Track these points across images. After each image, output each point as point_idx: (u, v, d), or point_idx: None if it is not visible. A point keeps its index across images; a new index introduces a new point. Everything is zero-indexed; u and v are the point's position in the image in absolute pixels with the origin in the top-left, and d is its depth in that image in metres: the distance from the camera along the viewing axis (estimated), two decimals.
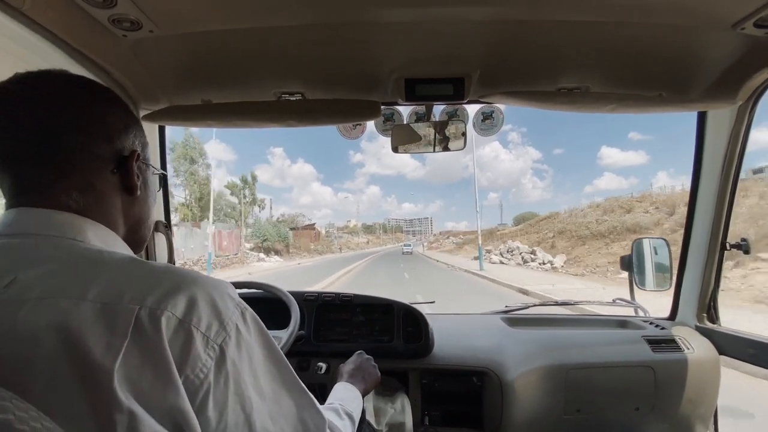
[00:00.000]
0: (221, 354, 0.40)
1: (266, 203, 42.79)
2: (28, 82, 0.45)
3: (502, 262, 22.13)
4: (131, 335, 0.35)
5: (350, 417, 0.68)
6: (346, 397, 0.78)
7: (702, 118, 1.22)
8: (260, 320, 0.46)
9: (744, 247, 1.18)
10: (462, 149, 1.29)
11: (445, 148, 1.28)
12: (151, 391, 0.35)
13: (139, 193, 0.52)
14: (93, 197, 0.46)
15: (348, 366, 0.94)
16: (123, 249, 0.49)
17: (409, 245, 55.61)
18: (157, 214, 1.32)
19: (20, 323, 0.35)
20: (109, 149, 0.48)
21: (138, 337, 0.36)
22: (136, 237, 0.55)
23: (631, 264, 1.61)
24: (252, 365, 0.43)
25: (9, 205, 0.45)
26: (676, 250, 1.42)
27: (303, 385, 0.50)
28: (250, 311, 0.45)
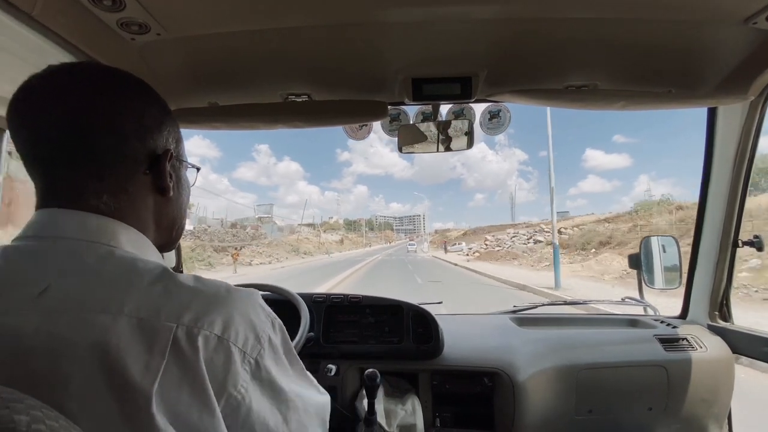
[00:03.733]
0: (257, 366, 0.41)
1: None
2: (57, 78, 0.43)
3: None
4: (169, 355, 0.35)
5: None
6: None
7: (712, 115, 1.20)
8: (284, 327, 0.47)
9: (757, 243, 1.17)
10: (468, 149, 1.28)
11: (449, 148, 1.28)
12: (188, 413, 0.35)
13: (172, 193, 0.50)
14: (125, 200, 0.45)
15: None
16: (155, 255, 0.48)
17: (413, 244, 56.03)
18: None
19: (57, 338, 0.34)
20: (142, 149, 0.46)
21: (176, 357, 0.35)
22: (169, 238, 0.53)
23: (639, 262, 1.60)
24: (282, 370, 0.44)
25: (40, 205, 0.43)
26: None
27: (310, 376, 0.52)
28: (278, 321, 0.46)
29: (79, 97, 0.43)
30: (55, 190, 0.43)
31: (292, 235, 46.96)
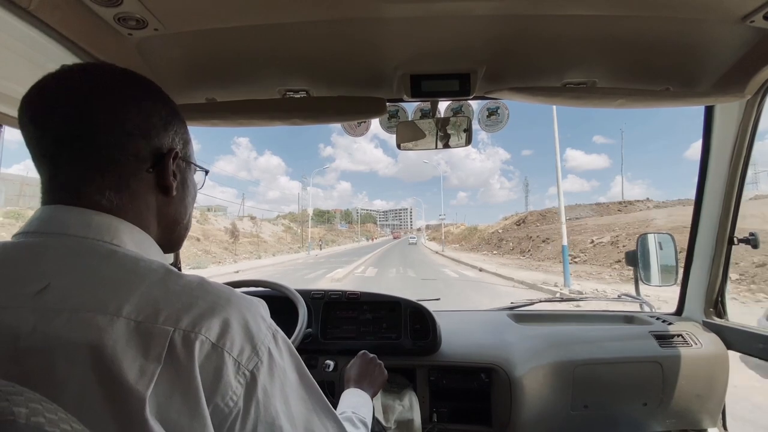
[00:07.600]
0: (252, 380, 0.38)
1: None
2: (68, 76, 0.43)
3: None
4: (164, 360, 0.34)
5: (364, 424, 0.69)
6: (357, 404, 0.78)
7: (709, 112, 1.21)
8: (290, 342, 0.45)
9: (753, 241, 1.18)
10: (466, 146, 1.28)
11: (447, 145, 1.28)
12: (178, 419, 0.34)
13: (175, 193, 0.50)
14: (128, 197, 0.45)
15: (353, 370, 0.93)
16: (158, 254, 0.47)
17: (414, 237, 56.29)
18: None
19: (53, 338, 0.33)
20: (147, 147, 0.46)
21: (170, 363, 0.34)
22: (171, 238, 0.53)
23: (636, 259, 1.60)
24: (284, 391, 0.42)
25: (44, 201, 0.43)
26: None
27: (331, 407, 0.49)
28: (281, 333, 0.44)
29: (86, 94, 0.43)
30: (59, 185, 0.43)
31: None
